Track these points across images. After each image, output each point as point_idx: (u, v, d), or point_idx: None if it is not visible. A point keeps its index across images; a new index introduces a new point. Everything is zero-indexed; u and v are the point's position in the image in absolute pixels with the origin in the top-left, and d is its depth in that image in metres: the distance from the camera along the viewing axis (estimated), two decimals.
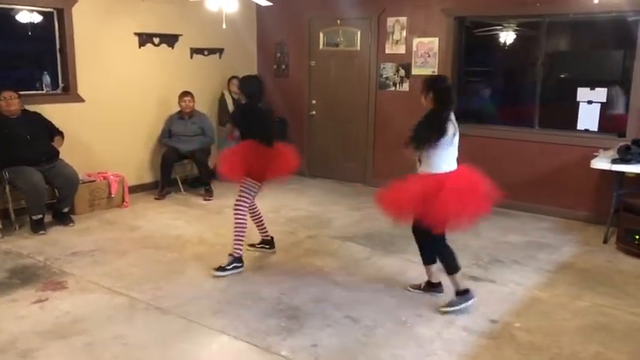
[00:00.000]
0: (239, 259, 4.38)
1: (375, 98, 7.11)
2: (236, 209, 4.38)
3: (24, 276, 4.25)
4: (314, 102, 7.66)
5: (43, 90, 5.98)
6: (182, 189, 6.81)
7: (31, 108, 5.52)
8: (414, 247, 4.83)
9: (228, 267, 4.32)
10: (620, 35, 5.79)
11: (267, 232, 4.81)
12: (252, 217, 4.66)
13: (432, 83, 3.66)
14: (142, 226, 5.52)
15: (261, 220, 4.76)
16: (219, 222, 5.67)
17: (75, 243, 4.99)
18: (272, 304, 3.83)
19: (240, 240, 4.38)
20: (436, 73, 6.50)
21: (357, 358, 3.16)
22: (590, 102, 5.77)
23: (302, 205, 6.38)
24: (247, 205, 4.43)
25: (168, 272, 4.35)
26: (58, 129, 5.60)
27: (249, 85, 4.58)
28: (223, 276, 4.26)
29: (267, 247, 4.83)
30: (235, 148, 4.49)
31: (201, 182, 6.74)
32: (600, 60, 6.22)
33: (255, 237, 4.89)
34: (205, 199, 6.53)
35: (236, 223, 4.36)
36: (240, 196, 4.40)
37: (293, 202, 6.47)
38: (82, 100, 6.08)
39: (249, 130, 4.40)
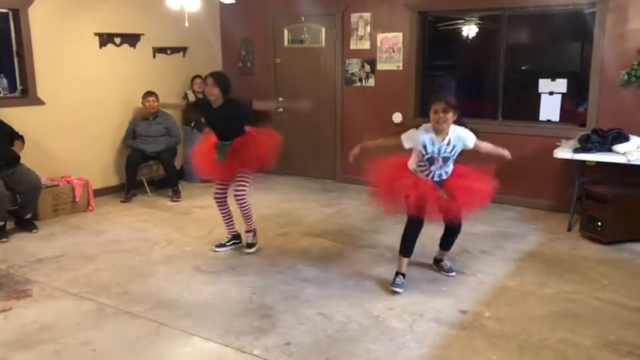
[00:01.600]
0: (255, 231, 4.83)
1: (342, 94, 7.12)
2: (241, 199, 4.63)
3: None
4: (281, 99, 7.62)
5: (0, 93, 5.80)
6: (148, 191, 6.71)
7: None
8: (384, 242, 4.89)
9: (256, 242, 4.81)
10: (578, 27, 5.93)
11: (234, 226, 4.86)
12: (224, 210, 4.77)
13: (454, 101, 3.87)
14: (108, 230, 5.42)
15: (231, 214, 4.83)
16: (187, 223, 5.60)
17: (39, 249, 4.87)
18: (243, 303, 3.81)
19: (252, 218, 4.79)
20: (401, 68, 6.57)
21: (330, 355, 3.16)
22: (551, 93, 5.90)
23: (272, 202, 6.36)
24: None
25: (136, 276, 4.28)
26: (17, 133, 5.46)
27: (225, 78, 4.61)
28: (254, 251, 4.76)
29: (238, 242, 4.86)
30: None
31: (169, 183, 6.66)
32: (560, 52, 6.36)
33: (220, 237, 4.87)
34: (173, 201, 6.45)
35: (245, 209, 4.69)
36: (242, 185, 4.61)
37: (263, 200, 6.44)
38: (42, 103, 5.93)
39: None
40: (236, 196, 4.61)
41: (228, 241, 4.84)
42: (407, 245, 4.01)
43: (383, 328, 3.46)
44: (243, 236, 4.87)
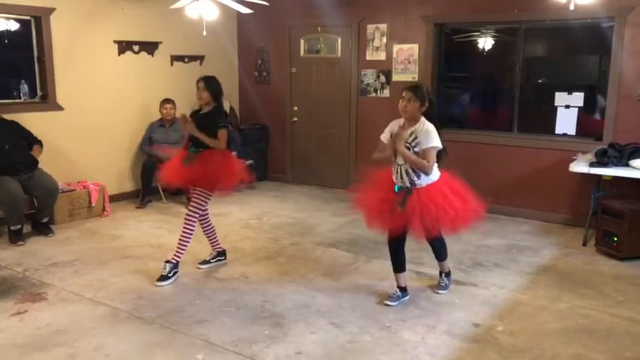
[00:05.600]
0: (177, 265, 4.38)
1: (357, 104, 7.14)
2: (188, 218, 4.35)
3: (2, 288, 4.17)
4: (296, 109, 7.67)
5: (20, 99, 5.90)
6: (163, 197, 6.76)
7: (9, 117, 5.46)
8: None
9: (170, 274, 4.31)
10: (596, 41, 5.91)
11: (219, 243, 4.73)
12: (203, 228, 4.60)
13: (425, 93, 3.73)
14: (123, 236, 5.46)
15: (214, 232, 4.68)
16: (201, 231, 5.61)
17: (55, 253, 4.92)
18: (256, 311, 3.82)
19: (185, 248, 4.39)
20: (417, 80, 6.55)
21: None
22: (567, 106, 5.87)
23: (285, 211, 6.38)
24: (200, 214, 4.41)
25: (150, 281, 4.31)
26: (36, 138, 5.54)
27: (217, 83, 4.44)
28: (167, 284, 4.25)
29: (223, 258, 4.74)
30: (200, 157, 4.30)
31: (183, 190, 6.69)
32: (577, 65, 6.33)
33: (234, 246, 4.88)
34: (187, 208, 6.46)
35: (185, 231, 4.35)
36: (195, 205, 4.37)
37: (276, 209, 6.46)
38: (61, 109, 6.02)
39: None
40: (186, 214, 4.38)
41: (212, 258, 4.70)
42: (393, 262, 3.97)
43: (395, 340, 3.44)
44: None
